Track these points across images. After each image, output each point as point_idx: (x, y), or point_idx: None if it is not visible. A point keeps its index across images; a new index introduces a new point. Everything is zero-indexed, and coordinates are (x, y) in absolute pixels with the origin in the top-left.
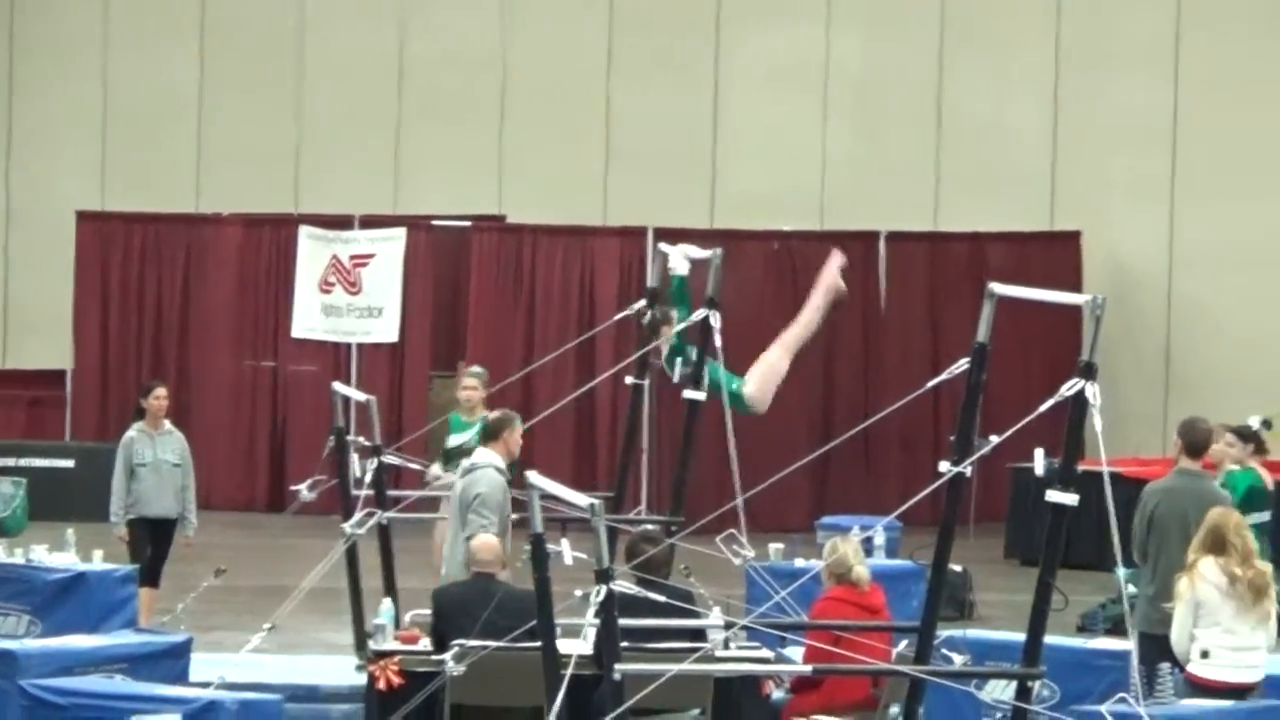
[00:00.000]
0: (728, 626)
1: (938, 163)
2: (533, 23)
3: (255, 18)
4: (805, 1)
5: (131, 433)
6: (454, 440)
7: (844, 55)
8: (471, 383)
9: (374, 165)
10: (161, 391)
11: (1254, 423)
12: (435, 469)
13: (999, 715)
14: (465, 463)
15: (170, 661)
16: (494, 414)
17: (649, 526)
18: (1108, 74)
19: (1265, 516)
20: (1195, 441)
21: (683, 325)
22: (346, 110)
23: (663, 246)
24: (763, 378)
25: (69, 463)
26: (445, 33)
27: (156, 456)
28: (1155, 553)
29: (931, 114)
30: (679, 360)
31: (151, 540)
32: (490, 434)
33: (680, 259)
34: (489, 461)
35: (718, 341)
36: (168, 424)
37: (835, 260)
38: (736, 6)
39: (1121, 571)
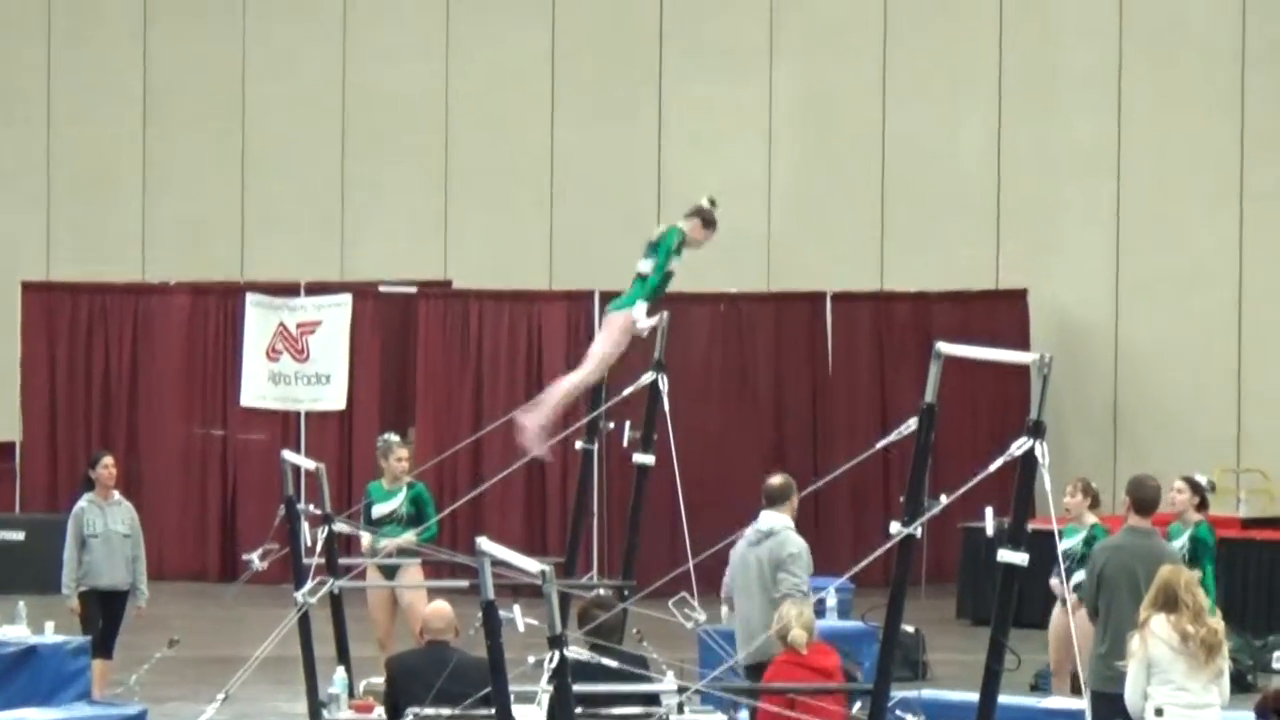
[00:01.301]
0: (681, 691)
1: (882, 224)
2: (475, 90)
3: (198, 87)
4: (748, 65)
5: (82, 503)
6: (380, 509)
7: (787, 118)
8: (404, 453)
9: (319, 232)
10: (109, 461)
11: (1202, 480)
12: (370, 539)
13: None
14: (758, 528)
15: None
16: (777, 479)
17: (601, 591)
18: (1051, 132)
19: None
20: (1144, 499)
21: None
22: (291, 177)
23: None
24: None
25: (19, 535)
26: (388, 99)
27: (107, 527)
28: (1105, 610)
29: (875, 176)
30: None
31: (103, 611)
32: (779, 497)
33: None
34: (785, 524)
35: (665, 404)
36: (117, 494)
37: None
38: (678, 69)
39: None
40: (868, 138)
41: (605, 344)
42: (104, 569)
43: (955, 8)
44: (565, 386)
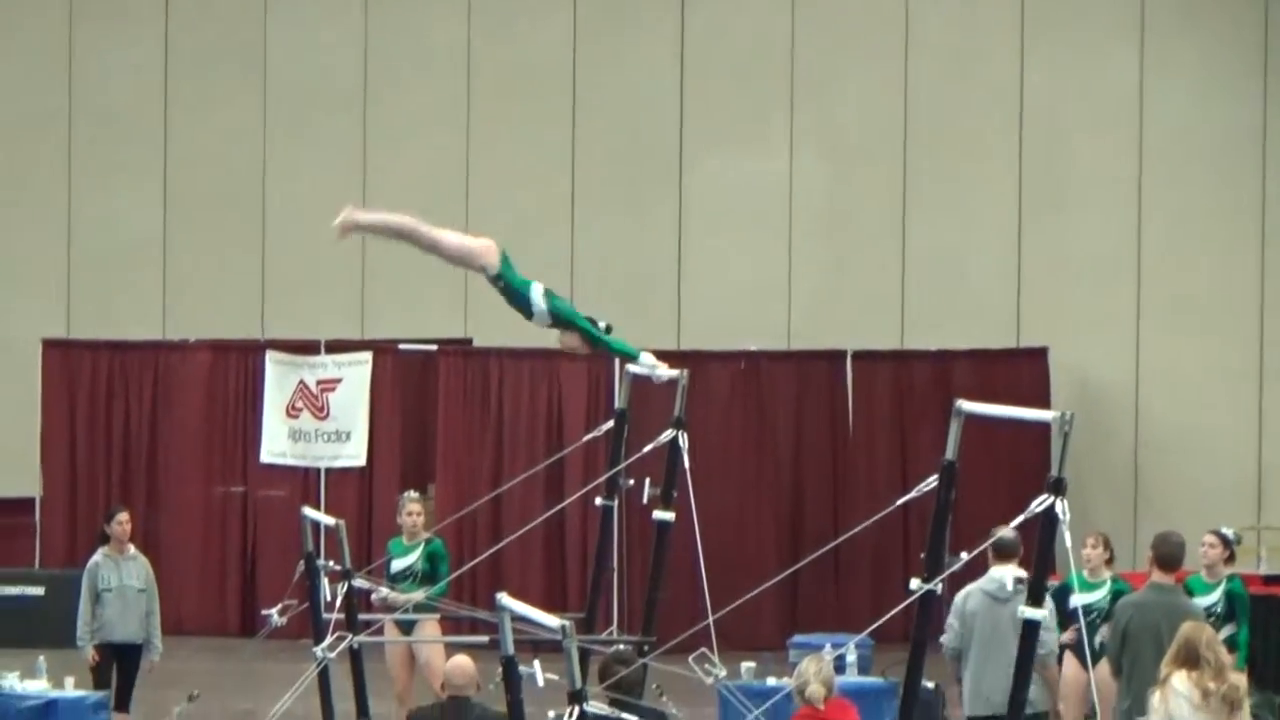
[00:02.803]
0: None
1: (903, 284)
2: (496, 158)
3: (218, 152)
4: (768, 136)
5: (96, 558)
6: (398, 564)
7: (807, 188)
8: (415, 508)
9: (339, 290)
10: (124, 516)
11: (1229, 533)
12: (386, 593)
13: None
14: (1001, 583)
15: None
16: (1010, 532)
17: (621, 647)
18: (1069, 210)
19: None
20: (1168, 555)
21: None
22: (311, 235)
23: (629, 368)
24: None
25: (39, 590)
26: (408, 163)
27: (122, 581)
28: (1129, 667)
29: (896, 238)
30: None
31: (118, 665)
32: (1014, 551)
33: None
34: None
35: (686, 462)
36: (132, 549)
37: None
38: (699, 141)
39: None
40: (888, 199)
41: (451, 239)
42: (117, 623)
43: (975, 81)
44: (402, 221)
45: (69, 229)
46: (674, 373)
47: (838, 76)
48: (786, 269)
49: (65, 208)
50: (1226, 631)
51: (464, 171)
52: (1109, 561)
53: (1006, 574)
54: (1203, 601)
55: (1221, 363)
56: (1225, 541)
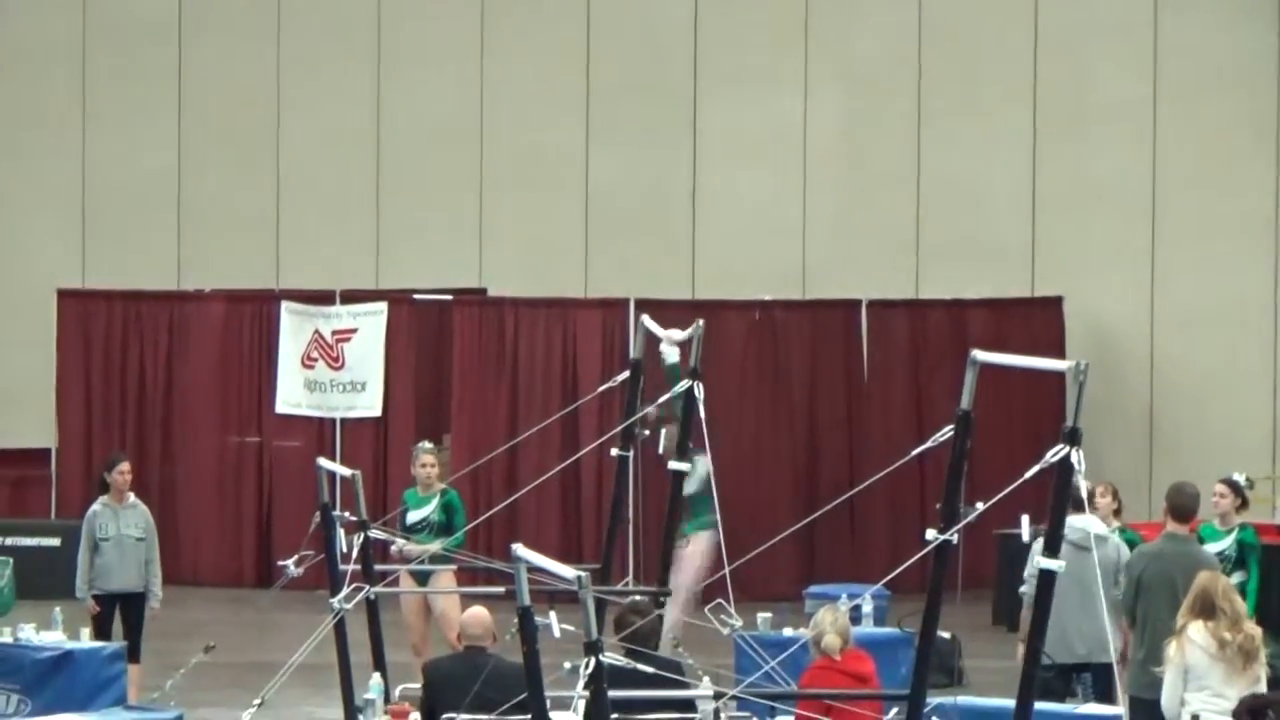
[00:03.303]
0: (717, 697)
1: (918, 231)
2: (510, 98)
3: (232, 95)
4: (783, 73)
5: (96, 507)
6: (413, 515)
7: (822, 126)
8: (430, 459)
9: (355, 240)
10: (125, 466)
11: (1240, 479)
12: (403, 544)
13: None
14: (1082, 533)
15: None
16: (1085, 481)
17: (637, 598)
18: (1085, 142)
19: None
20: (1182, 506)
21: (679, 423)
22: (326, 185)
23: (645, 321)
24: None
25: (55, 541)
26: (423, 108)
27: (120, 531)
28: (1144, 617)
29: (911, 184)
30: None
31: (122, 615)
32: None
33: (669, 347)
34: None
35: (701, 411)
36: (132, 497)
37: None
38: (713, 78)
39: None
40: (904, 148)
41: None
42: (115, 571)
43: (990, 28)
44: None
45: (83, 180)
46: (689, 332)
47: (853, 12)
48: (801, 212)
49: (79, 156)
50: (1236, 578)
51: (478, 111)
52: (1117, 512)
53: (1090, 522)
54: (1214, 548)
55: (1237, 309)
56: (1236, 489)
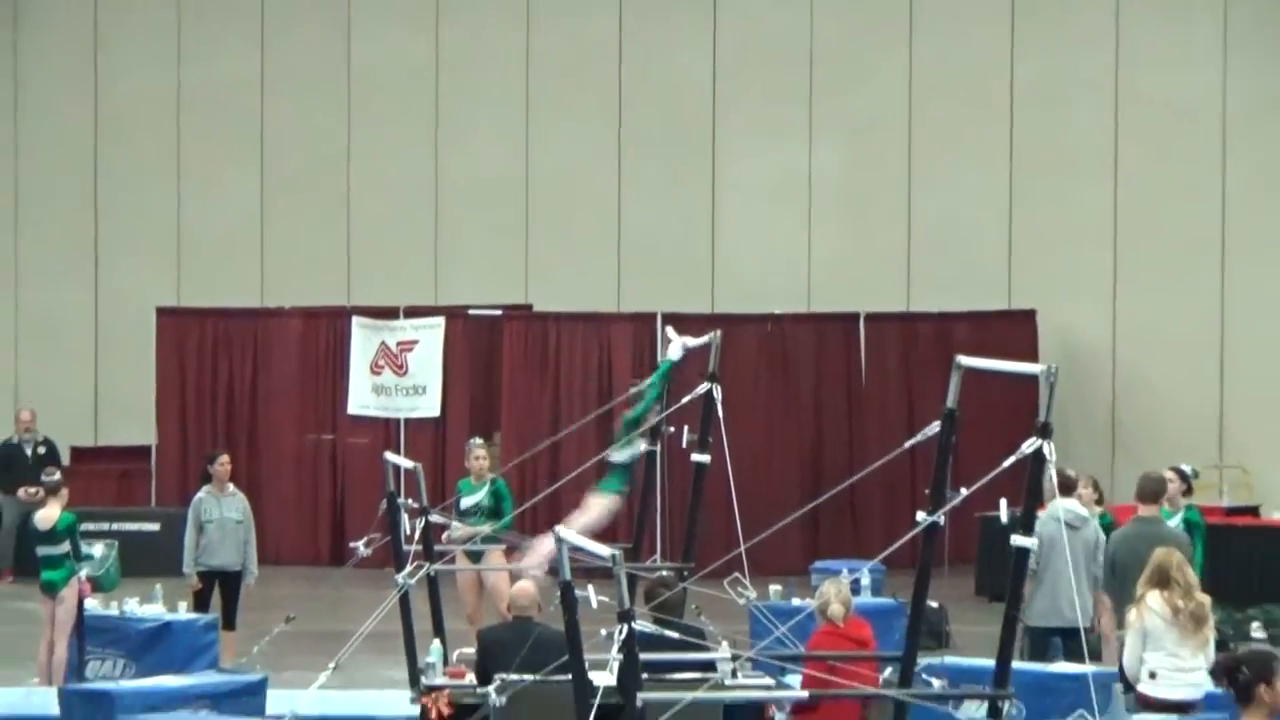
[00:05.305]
0: (735, 659)
1: (909, 253)
2: (552, 144)
3: (308, 140)
4: (790, 125)
5: (200, 494)
6: (466, 502)
7: (824, 170)
8: (481, 453)
9: (416, 264)
10: (224, 459)
11: (1187, 469)
12: (457, 526)
13: None
14: (1073, 514)
15: (248, 698)
16: (1072, 471)
17: (664, 573)
18: (1056, 179)
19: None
20: (1148, 489)
21: (643, 404)
22: (391, 217)
23: (669, 331)
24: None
25: (155, 526)
26: (476, 154)
27: (222, 514)
28: (1119, 591)
29: (902, 219)
30: (628, 435)
31: (221, 590)
32: (1074, 486)
33: (678, 347)
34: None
35: (719, 411)
36: (231, 486)
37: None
38: (729, 130)
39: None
40: (896, 188)
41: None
42: (218, 550)
43: (974, 81)
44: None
45: (178, 217)
46: (705, 339)
47: (851, 74)
48: (806, 241)
49: (175, 196)
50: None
51: (524, 157)
52: (1098, 501)
53: (1073, 506)
54: None
55: (1188, 321)
56: (1183, 476)
